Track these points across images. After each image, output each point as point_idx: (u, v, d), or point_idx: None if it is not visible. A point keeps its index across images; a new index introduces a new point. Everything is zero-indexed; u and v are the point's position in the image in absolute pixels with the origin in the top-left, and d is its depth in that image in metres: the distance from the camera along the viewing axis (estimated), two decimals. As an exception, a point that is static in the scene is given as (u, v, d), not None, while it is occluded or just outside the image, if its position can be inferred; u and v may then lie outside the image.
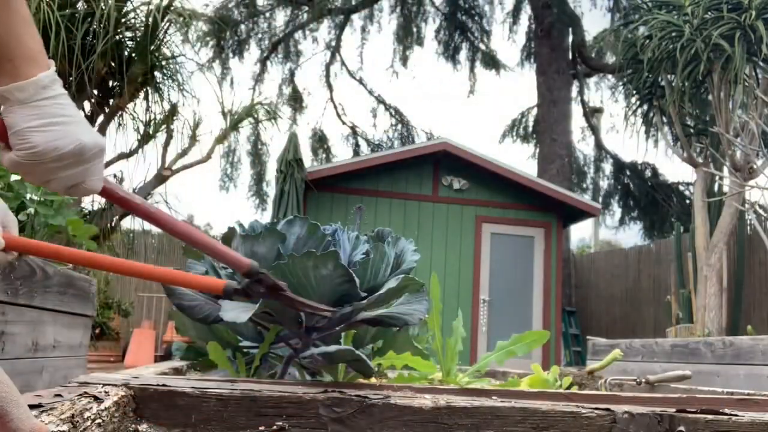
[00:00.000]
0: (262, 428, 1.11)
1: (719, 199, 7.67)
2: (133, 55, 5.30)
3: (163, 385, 1.13)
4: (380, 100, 17.27)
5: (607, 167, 16.02)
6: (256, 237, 1.43)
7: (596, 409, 1.14)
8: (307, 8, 15.93)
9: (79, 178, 0.79)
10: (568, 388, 2.07)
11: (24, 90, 0.74)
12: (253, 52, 16.37)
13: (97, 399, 0.98)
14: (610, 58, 14.53)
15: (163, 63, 6.29)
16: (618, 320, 11.95)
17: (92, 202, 6.01)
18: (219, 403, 1.12)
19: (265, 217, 17.32)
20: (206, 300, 1.56)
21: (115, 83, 5.40)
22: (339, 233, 1.59)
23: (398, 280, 1.48)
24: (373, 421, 1.12)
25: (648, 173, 14.61)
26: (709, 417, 1.11)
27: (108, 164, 6.40)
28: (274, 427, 1.11)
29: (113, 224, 6.09)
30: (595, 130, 16.44)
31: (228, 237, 1.55)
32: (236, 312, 1.35)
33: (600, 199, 15.25)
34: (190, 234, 1.00)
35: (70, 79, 4.60)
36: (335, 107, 16.85)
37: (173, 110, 6.44)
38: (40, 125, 0.74)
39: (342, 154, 19.01)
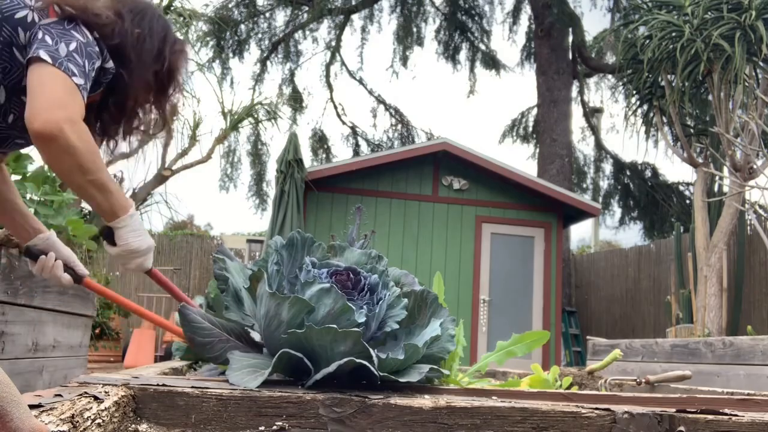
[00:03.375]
0: (262, 428, 1.11)
1: (719, 199, 7.68)
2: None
3: (163, 385, 1.13)
4: (380, 100, 17.26)
5: (607, 167, 16.01)
6: (285, 299, 1.37)
7: (596, 409, 1.14)
8: (307, 8, 15.92)
9: (144, 262, 1.58)
10: (568, 388, 2.07)
11: (122, 222, 1.49)
12: (253, 52, 16.40)
13: (97, 399, 0.98)
14: (610, 58, 14.51)
15: (163, 63, 6.28)
16: (618, 320, 11.95)
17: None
18: (219, 403, 1.12)
19: (265, 218, 17.31)
20: (220, 337, 1.51)
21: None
22: (380, 290, 1.49)
23: (421, 374, 1.40)
24: (373, 421, 1.12)
25: (648, 173, 14.60)
26: (709, 417, 1.11)
27: (108, 164, 6.41)
28: (274, 427, 1.11)
29: (113, 224, 6.09)
30: (595, 130, 16.44)
31: (257, 277, 1.51)
32: (242, 375, 1.27)
33: (600, 199, 15.24)
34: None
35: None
36: (335, 107, 16.85)
37: (173, 110, 6.44)
38: (133, 236, 1.51)
39: (342, 154, 19.02)
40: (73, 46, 1.37)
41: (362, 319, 1.41)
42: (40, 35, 1.37)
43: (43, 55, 1.33)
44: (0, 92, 1.42)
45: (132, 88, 1.54)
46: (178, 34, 1.66)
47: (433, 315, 1.57)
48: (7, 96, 1.43)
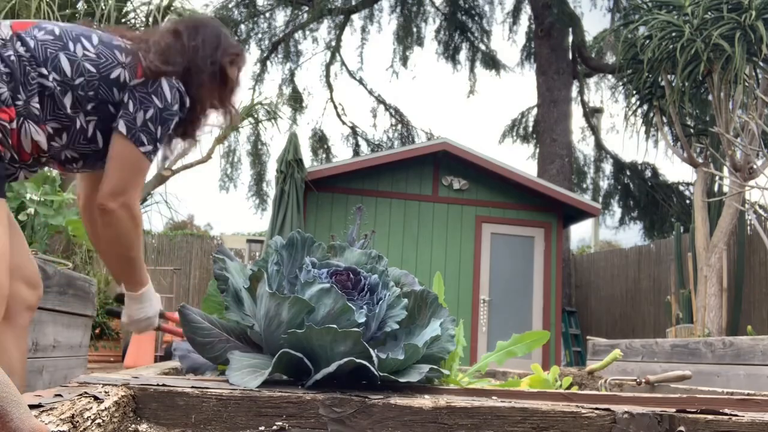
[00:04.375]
0: (262, 428, 1.11)
1: (719, 199, 7.68)
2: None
3: (163, 385, 1.13)
4: (380, 100, 17.26)
5: (607, 167, 16.02)
6: (285, 299, 1.37)
7: (596, 409, 1.14)
8: (307, 8, 15.92)
9: (146, 326, 1.93)
10: (568, 388, 2.07)
11: (134, 297, 1.85)
12: (253, 52, 16.36)
13: (97, 399, 0.98)
14: (610, 58, 14.51)
15: (163, 63, 6.26)
16: (618, 320, 11.95)
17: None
18: (219, 403, 1.12)
19: (265, 218, 17.31)
20: (220, 337, 1.51)
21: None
22: (380, 290, 1.49)
23: (421, 374, 1.40)
24: (373, 421, 1.12)
25: (648, 173, 14.60)
26: (709, 417, 1.11)
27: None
28: (274, 427, 1.11)
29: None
30: (595, 130, 16.44)
31: (257, 277, 1.51)
32: (242, 375, 1.27)
33: (600, 199, 15.24)
34: None
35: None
36: (335, 107, 16.85)
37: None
38: (137, 310, 1.87)
39: (342, 154, 19.02)
40: (150, 113, 1.64)
41: (362, 319, 1.41)
42: (125, 99, 1.66)
43: (121, 127, 1.65)
44: (98, 138, 1.70)
45: (198, 96, 1.78)
46: (233, 41, 1.90)
47: (433, 315, 1.57)
48: (103, 141, 1.72)
